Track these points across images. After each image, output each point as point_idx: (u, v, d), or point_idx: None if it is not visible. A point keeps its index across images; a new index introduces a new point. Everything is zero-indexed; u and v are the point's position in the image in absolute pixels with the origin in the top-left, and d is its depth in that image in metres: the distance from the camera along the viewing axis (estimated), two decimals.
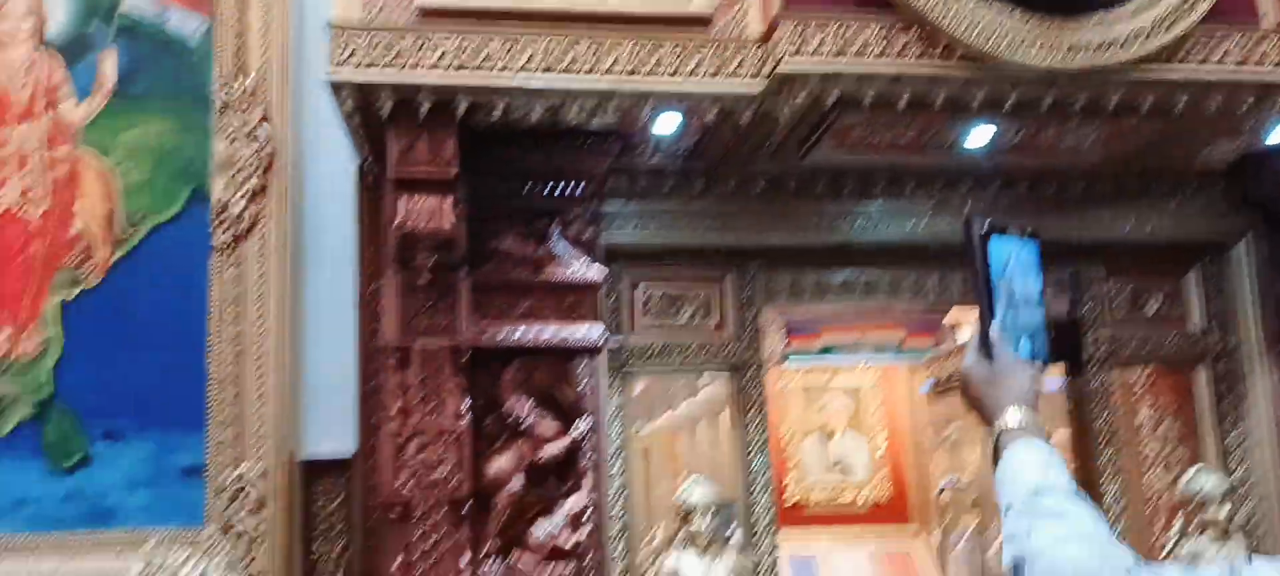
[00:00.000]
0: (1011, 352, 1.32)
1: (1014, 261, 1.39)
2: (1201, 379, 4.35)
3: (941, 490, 5.67)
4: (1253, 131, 3.63)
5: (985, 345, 1.33)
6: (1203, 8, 3.10)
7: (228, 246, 3.55)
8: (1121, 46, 3.03)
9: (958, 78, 3.07)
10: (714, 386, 5.11)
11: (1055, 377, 4.72)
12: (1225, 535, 3.78)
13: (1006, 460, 1.20)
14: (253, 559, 3.48)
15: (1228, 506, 3.80)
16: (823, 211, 4.01)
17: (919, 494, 8.19)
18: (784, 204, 3.99)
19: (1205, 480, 3.87)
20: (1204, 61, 3.15)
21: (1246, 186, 4.12)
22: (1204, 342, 4.31)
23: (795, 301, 4.27)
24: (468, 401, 3.32)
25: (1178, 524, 3.97)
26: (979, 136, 3.57)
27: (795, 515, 8.16)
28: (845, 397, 8.65)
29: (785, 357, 7.28)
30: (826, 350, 8.00)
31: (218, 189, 3.57)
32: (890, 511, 8.40)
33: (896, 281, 4.21)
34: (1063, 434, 4.45)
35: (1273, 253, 4.15)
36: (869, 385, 8.67)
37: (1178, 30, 3.06)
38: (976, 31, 2.97)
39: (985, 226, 1.40)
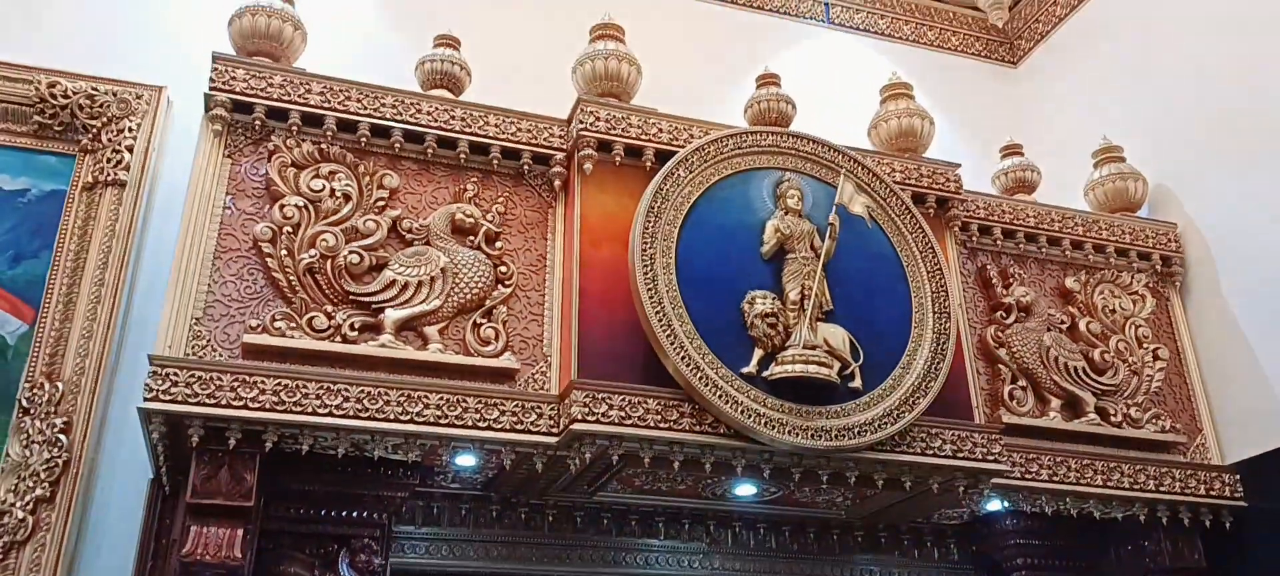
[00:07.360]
0: None
1: None
2: None
3: None
4: (972, 503, 4.25)
5: None
6: (923, 404, 3.74)
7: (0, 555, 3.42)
8: (857, 433, 3.60)
9: (723, 447, 3.53)
10: None
11: None
12: None
13: None
14: None
15: None
16: (608, 544, 4.33)
17: None
18: (572, 535, 4.29)
19: None
20: (924, 451, 3.75)
21: (973, 544, 4.75)
22: None
23: None
24: None
25: None
26: (745, 490, 4.04)
27: None
28: None
29: None
30: None
31: (0, 493, 3.47)
32: None
33: None
34: None
35: None
36: None
37: (902, 424, 3.67)
38: (738, 412, 3.47)
39: None
